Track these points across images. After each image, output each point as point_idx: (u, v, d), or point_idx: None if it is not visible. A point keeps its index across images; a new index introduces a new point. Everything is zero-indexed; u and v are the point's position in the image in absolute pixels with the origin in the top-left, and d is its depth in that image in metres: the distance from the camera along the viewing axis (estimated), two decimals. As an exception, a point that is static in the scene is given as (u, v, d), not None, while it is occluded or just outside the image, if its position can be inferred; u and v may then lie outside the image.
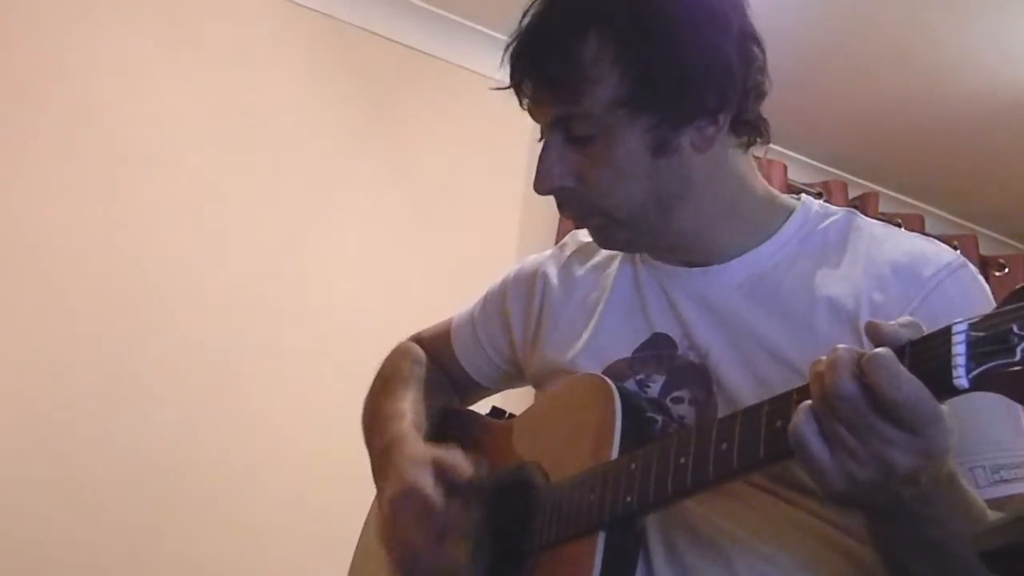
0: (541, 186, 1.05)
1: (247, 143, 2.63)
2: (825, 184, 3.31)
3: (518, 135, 2.97)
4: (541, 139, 1.08)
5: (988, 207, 3.55)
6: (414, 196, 2.84)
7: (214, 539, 2.39)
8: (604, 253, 1.20)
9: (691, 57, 0.98)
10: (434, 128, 2.90)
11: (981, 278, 1.01)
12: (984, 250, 3.53)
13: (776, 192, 1.13)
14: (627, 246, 1.13)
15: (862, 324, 0.93)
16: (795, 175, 3.26)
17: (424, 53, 2.90)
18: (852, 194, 3.34)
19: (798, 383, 0.81)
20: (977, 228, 3.63)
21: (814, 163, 3.39)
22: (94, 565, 2.25)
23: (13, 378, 2.25)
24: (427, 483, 1.06)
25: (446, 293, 2.53)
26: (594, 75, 0.99)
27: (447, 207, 2.87)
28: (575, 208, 1.07)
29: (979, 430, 0.91)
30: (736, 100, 1.01)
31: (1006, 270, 3.51)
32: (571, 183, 1.04)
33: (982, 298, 0.98)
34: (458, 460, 1.08)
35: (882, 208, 3.37)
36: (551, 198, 1.08)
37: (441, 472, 1.07)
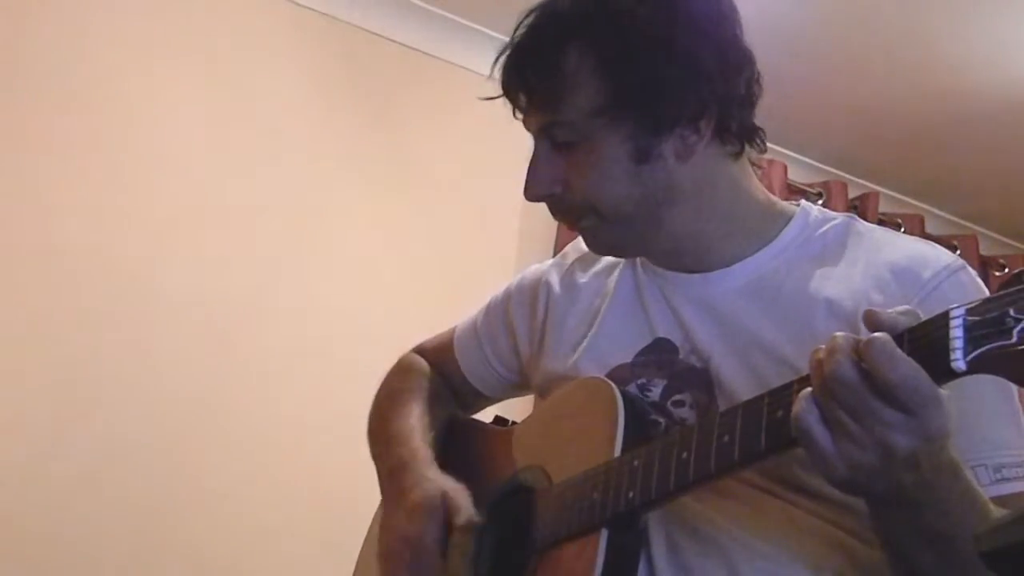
0: (530, 193, 1.08)
1: (246, 142, 2.63)
2: (825, 184, 3.31)
3: (518, 137, 2.97)
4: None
5: (988, 207, 3.55)
6: (414, 196, 2.84)
7: (216, 538, 2.39)
8: (606, 260, 1.21)
9: (667, 68, 1.01)
10: (434, 129, 2.90)
11: (980, 281, 1.02)
12: (984, 250, 3.53)
13: (775, 198, 1.14)
14: (620, 249, 1.14)
15: (861, 325, 0.95)
16: (795, 175, 3.26)
17: (424, 53, 2.90)
18: (852, 194, 3.34)
19: None
20: (977, 228, 3.63)
21: (814, 163, 3.39)
22: (95, 563, 2.25)
23: (16, 377, 2.25)
24: (433, 534, 1.08)
25: (445, 294, 2.54)
26: (573, 84, 1.03)
27: (447, 208, 2.86)
28: (566, 213, 1.09)
29: (981, 429, 0.92)
30: (716, 109, 1.03)
31: (1006, 270, 3.51)
32: (558, 189, 1.07)
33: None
34: (462, 506, 1.09)
35: (882, 208, 3.36)
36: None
37: (447, 514, 1.09)
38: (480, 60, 3.03)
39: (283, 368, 2.55)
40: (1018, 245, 3.74)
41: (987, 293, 0.99)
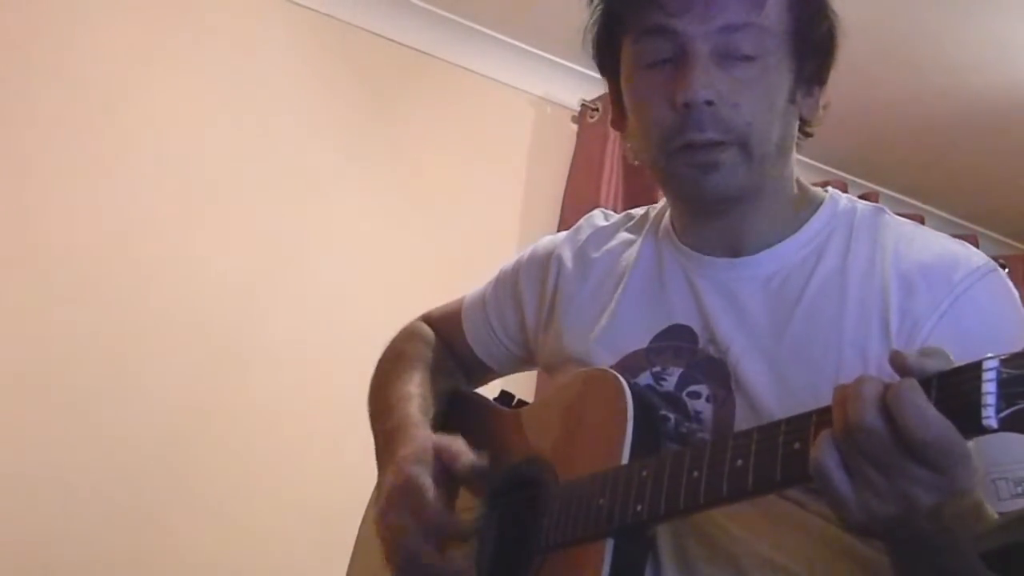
0: (694, 93, 0.97)
1: (247, 142, 2.63)
2: (825, 184, 3.28)
3: (518, 135, 2.97)
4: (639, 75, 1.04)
5: (988, 207, 3.55)
6: (414, 196, 2.84)
7: (212, 539, 2.38)
8: (620, 238, 1.19)
9: (834, 30, 1.07)
10: (434, 128, 2.90)
11: (1011, 285, 0.99)
12: (984, 250, 3.49)
13: (805, 183, 1.12)
14: (738, 195, 1.03)
15: (891, 325, 0.93)
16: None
17: (424, 53, 2.89)
18: (852, 194, 3.33)
19: (821, 384, 0.79)
20: (977, 228, 3.63)
21: (814, 163, 3.39)
22: (92, 564, 2.25)
23: (12, 374, 2.25)
24: (426, 478, 1.04)
25: (445, 293, 2.53)
26: None
27: (447, 207, 2.86)
28: (713, 129, 0.99)
29: (1003, 443, 0.87)
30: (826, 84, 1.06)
31: (1006, 270, 3.50)
32: (715, 98, 0.98)
33: (1011, 305, 0.97)
34: (460, 449, 1.06)
35: (882, 208, 3.36)
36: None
37: (442, 462, 1.06)
38: (480, 60, 3.05)
39: (281, 367, 2.55)
40: (1018, 245, 3.74)
41: (1018, 298, 0.96)
